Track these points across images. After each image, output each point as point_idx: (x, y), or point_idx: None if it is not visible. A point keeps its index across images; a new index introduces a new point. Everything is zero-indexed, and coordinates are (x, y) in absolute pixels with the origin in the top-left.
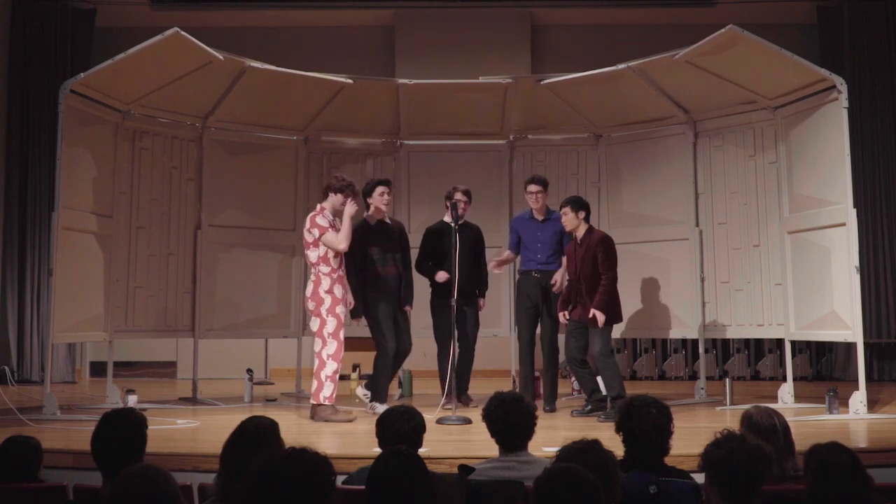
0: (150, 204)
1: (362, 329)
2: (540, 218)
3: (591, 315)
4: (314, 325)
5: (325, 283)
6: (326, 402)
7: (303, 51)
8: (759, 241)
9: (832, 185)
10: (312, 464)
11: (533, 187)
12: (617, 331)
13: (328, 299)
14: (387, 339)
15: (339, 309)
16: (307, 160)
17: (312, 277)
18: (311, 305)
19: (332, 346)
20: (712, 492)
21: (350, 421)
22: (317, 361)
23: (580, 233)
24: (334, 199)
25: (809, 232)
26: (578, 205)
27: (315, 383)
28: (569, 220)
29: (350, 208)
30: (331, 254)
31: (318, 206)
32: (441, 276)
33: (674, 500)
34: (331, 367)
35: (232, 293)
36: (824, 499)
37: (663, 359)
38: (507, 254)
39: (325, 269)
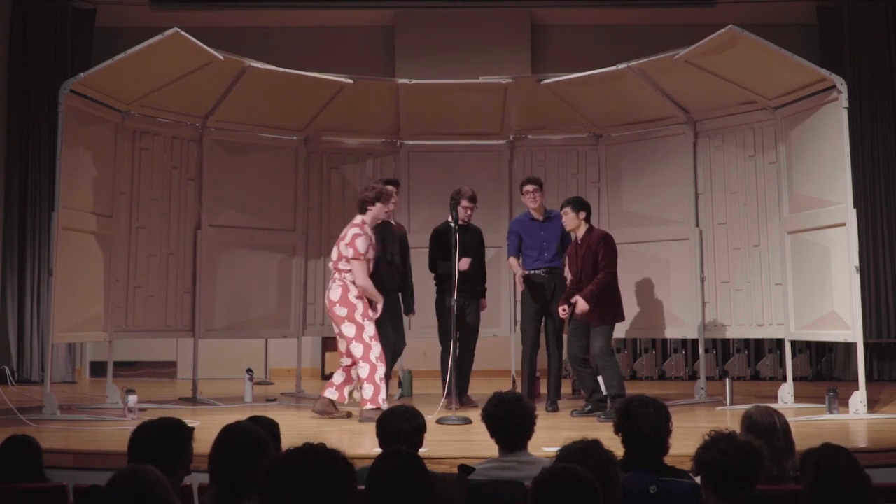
0: (150, 204)
1: None
2: (540, 218)
3: (573, 300)
4: (349, 330)
5: (354, 289)
6: (384, 405)
7: (303, 51)
8: (759, 241)
9: (832, 185)
10: (331, 465)
11: (529, 187)
12: (618, 330)
13: (360, 304)
14: (386, 338)
15: (371, 313)
16: (307, 160)
17: (339, 283)
18: (340, 311)
19: (378, 349)
20: (709, 493)
21: None
22: (366, 366)
23: (580, 233)
24: (375, 210)
25: (809, 232)
26: (579, 205)
27: (371, 388)
28: (569, 220)
29: (378, 306)
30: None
31: (360, 220)
32: (464, 262)
33: (674, 500)
34: (381, 369)
35: (232, 293)
36: (823, 500)
37: (663, 359)
38: (512, 261)
39: (351, 277)
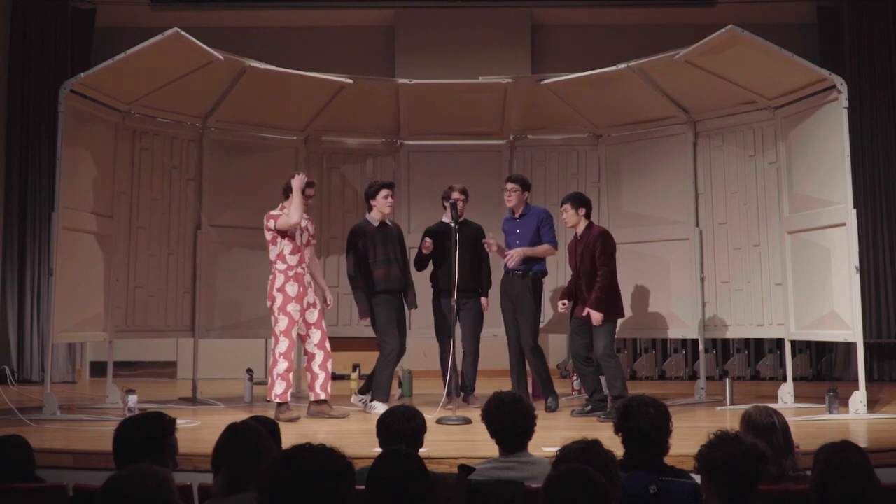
0: (150, 204)
1: (361, 329)
2: (517, 215)
3: (585, 313)
4: (272, 322)
5: (279, 280)
6: (278, 400)
7: (303, 51)
8: (759, 241)
9: (832, 185)
10: (331, 464)
11: (508, 185)
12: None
13: (279, 297)
14: (389, 340)
15: (292, 307)
16: (307, 160)
17: (270, 276)
18: (268, 304)
19: (284, 345)
20: (710, 493)
21: (293, 420)
22: (271, 358)
23: (580, 229)
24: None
25: (809, 232)
26: (579, 201)
27: (269, 380)
28: (569, 216)
29: (298, 181)
30: (287, 250)
31: (280, 205)
32: (427, 243)
33: (674, 500)
34: (282, 365)
35: (232, 293)
36: (830, 494)
37: (663, 359)
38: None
39: (280, 266)
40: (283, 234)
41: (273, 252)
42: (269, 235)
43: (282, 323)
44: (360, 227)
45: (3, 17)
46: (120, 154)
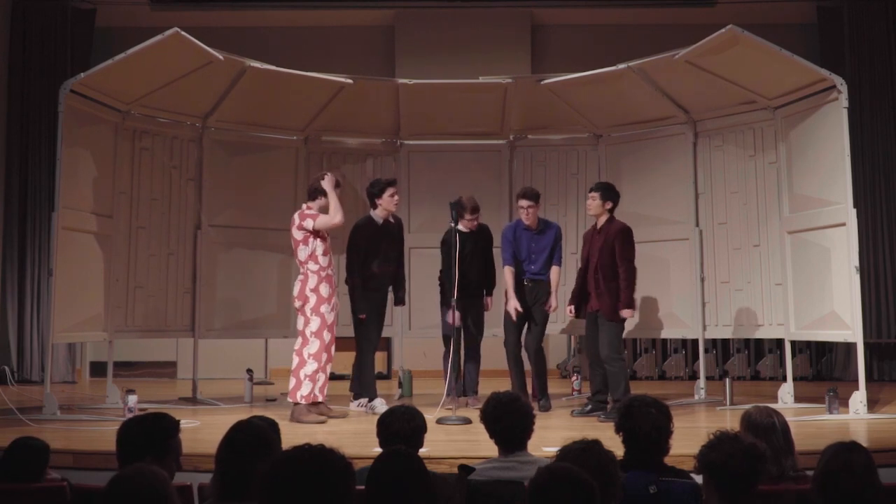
0: (150, 204)
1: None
2: (534, 229)
3: (624, 316)
4: (299, 323)
5: (312, 280)
6: (303, 402)
7: (303, 51)
8: (759, 241)
9: (832, 185)
10: (331, 465)
11: (524, 202)
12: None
13: (313, 298)
14: (372, 338)
15: (325, 308)
16: (307, 160)
17: (300, 276)
18: (297, 304)
19: (314, 346)
20: (710, 493)
21: (321, 423)
22: (296, 359)
23: (601, 221)
24: (322, 202)
25: (809, 232)
26: (608, 194)
27: (293, 381)
28: (595, 205)
29: (330, 181)
30: (319, 251)
31: (304, 206)
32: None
33: (674, 500)
34: (311, 366)
35: (232, 293)
36: (830, 493)
37: (663, 359)
38: (507, 271)
39: (313, 266)
40: (317, 234)
41: (304, 252)
42: (299, 235)
43: (314, 324)
44: (363, 224)
45: (3, 17)
46: (120, 154)
